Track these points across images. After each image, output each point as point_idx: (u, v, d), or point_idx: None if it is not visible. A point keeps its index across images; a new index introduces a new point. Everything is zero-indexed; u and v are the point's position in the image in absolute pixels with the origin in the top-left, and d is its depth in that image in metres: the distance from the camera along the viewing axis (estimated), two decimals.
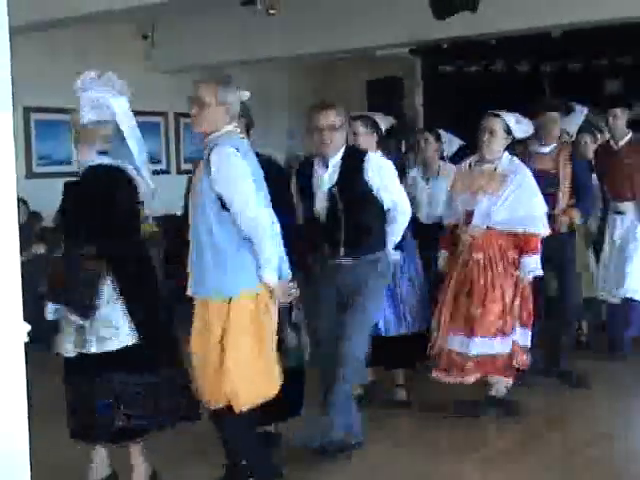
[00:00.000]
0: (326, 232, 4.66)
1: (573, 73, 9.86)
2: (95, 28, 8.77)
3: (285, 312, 4.30)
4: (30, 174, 8.88)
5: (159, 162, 10.39)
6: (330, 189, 4.60)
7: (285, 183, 4.77)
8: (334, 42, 8.64)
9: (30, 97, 8.47)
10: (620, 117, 6.45)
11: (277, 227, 3.95)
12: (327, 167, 4.63)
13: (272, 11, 6.87)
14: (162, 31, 9.64)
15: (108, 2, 6.70)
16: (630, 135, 6.52)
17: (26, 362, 2.10)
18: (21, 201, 7.57)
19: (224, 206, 3.79)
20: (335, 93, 11.18)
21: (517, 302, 5.13)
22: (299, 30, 8.56)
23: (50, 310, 4.01)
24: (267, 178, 4.01)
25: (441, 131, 6.47)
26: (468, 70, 10.39)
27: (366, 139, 5.14)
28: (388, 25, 8.12)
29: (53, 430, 4.13)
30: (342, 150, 4.62)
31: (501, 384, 5.26)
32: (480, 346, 5.07)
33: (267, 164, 4.25)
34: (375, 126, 5.25)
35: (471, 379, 5.17)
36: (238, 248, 3.81)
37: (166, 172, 10.47)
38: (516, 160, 5.22)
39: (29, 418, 2.09)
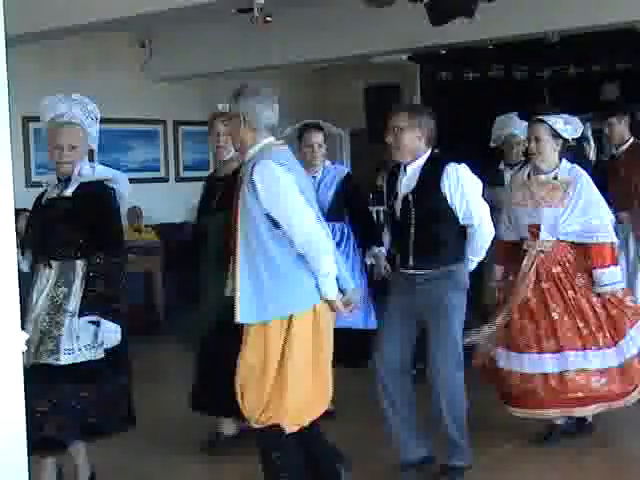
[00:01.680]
0: (398, 240, 4.56)
1: (571, 78, 9.87)
2: (93, 37, 8.78)
3: None
4: (29, 183, 8.89)
5: (158, 170, 10.40)
6: (405, 196, 4.41)
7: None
8: (332, 49, 8.65)
9: (29, 106, 8.48)
10: (617, 124, 6.42)
11: (331, 240, 3.84)
12: (406, 172, 4.45)
13: (269, 19, 6.86)
14: (159, 40, 9.65)
15: (105, 12, 6.71)
16: (631, 141, 6.47)
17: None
18: (23, 211, 7.56)
19: (275, 223, 3.67)
20: (333, 100, 11.22)
21: (613, 311, 4.80)
22: (297, 38, 8.57)
23: None
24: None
25: None
26: (466, 76, 10.39)
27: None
28: (386, 32, 8.13)
29: None
30: (425, 156, 4.40)
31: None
32: (595, 359, 4.73)
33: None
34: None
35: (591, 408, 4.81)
36: (294, 265, 3.69)
37: (165, 180, 10.48)
38: (576, 167, 4.92)
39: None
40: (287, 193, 3.68)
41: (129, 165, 10.05)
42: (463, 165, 4.41)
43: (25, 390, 3.67)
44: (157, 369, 6.60)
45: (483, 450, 4.82)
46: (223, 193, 4.67)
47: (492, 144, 6.57)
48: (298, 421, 3.78)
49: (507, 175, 6.21)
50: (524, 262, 4.86)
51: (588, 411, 4.84)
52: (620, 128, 6.42)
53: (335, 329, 3.92)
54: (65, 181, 4.12)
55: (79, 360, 3.93)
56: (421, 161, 4.39)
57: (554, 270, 4.82)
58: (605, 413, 5.00)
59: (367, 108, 10.84)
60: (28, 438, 3.70)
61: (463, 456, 4.45)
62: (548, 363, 4.73)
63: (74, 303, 3.98)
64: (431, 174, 4.33)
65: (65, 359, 3.91)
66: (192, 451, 4.88)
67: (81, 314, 3.94)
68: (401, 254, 4.48)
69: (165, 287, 9.09)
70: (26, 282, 5.44)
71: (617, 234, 6.36)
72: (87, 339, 3.94)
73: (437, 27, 6.87)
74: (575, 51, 9.22)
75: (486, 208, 4.43)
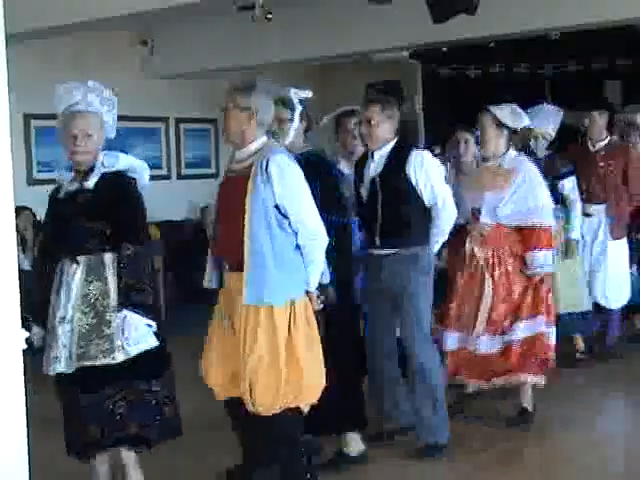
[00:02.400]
0: (364, 220, 4.83)
1: (572, 75, 9.87)
2: (94, 35, 8.78)
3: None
4: (30, 181, 8.89)
5: (159, 168, 10.40)
6: (373, 179, 4.73)
7: (334, 182, 4.78)
8: (333, 46, 8.64)
9: (30, 104, 8.48)
10: (598, 120, 6.44)
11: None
12: (373, 158, 4.77)
13: (269, 16, 6.86)
14: (161, 37, 9.64)
15: (106, 10, 6.70)
16: (608, 139, 6.53)
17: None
18: (24, 208, 7.58)
19: (282, 214, 3.87)
20: (334, 98, 11.19)
21: (529, 299, 5.05)
22: (298, 35, 8.56)
23: (36, 334, 3.93)
24: (317, 177, 4.15)
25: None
26: (468, 73, 10.40)
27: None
28: (387, 29, 8.11)
29: (53, 439, 4.12)
30: (392, 143, 4.74)
31: (528, 393, 5.22)
32: (488, 342, 5.07)
33: (318, 162, 4.42)
34: None
35: (500, 381, 5.12)
36: (295, 253, 3.91)
37: (166, 178, 10.47)
38: (521, 156, 5.20)
39: (29, 426, 2.09)
40: (301, 187, 3.91)
41: None
42: (426, 151, 4.88)
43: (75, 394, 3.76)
44: None
45: (482, 449, 4.84)
46: None
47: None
48: (311, 400, 3.94)
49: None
50: (466, 245, 5.15)
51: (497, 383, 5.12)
52: (601, 124, 6.46)
53: None
54: (84, 172, 3.96)
55: (133, 355, 3.81)
56: (388, 147, 4.75)
57: (489, 253, 5.06)
58: (589, 411, 5.33)
59: None
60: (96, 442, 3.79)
61: (438, 433, 4.70)
62: (472, 342, 5.08)
63: (114, 298, 3.83)
64: (397, 159, 4.70)
65: (120, 357, 3.79)
66: (198, 453, 4.87)
67: (119, 308, 3.81)
68: (368, 235, 4.81)
69: (166, 286, 9.08)
70: (27, 280, 5.41)
71: (581, 227, 6.42)
72: (133, 333, 3.79)
73: (438, 24, 6.87)
74: (576, 48, 9.22)
75: (448, 190, 4.76)
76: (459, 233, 5.16)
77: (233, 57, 9.03)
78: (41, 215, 8.26)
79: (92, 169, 3.96)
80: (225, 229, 3.99)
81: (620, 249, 6.57)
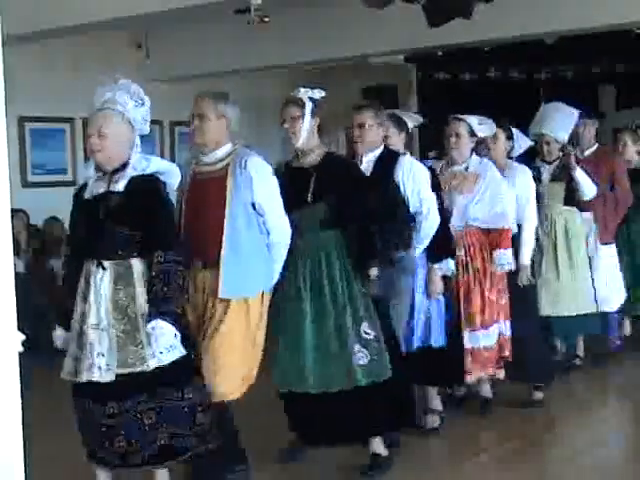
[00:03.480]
0: None
1: (567, 80, 9.89)
2: (89, 38, 8.76)
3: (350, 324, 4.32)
4: (25, 183, 8.87)
5: None
6: None
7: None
8: (329, 50, 8.64)
9: (25, 107, 8.47)
10: (588, 127, 6.47)
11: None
12: (361, 162, 4.81)
13: (266, 19, 6.84)
14: (156, 40, 9.63)
15: (102, 12, 6.69)
16: (596, 147, 6.58)
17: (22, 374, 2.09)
18: (18, 211, 7.57)
19: (255, 211, 4.14)
20: (330, 101, 11.20)
21: (494, 295, 5.27)
22: (294, 38, 8.56)
23: (59, 337, 3.90)
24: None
25: (513, 129, 5.96)
26: (463, 77, 10.41)
27: (394, 138, 5.14)
28: (383, 33, 8.12)
29: (50, 442, 4.11)
30: (379, 149, 4.83)
31: (486, 385, 5.48)
32: (468, 340, 5.20)
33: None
34: (403, 125, 5.21)
35: (472, 378, 5.30)
36: (266, 249, 4.16)
37: None
38: (485, 160, 5.43)
39: (26, 429, 2.08)
40: (276, 188, 4.18)
41: None
42: (414, 157, 5.01)
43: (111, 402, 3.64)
44: None
45: (483, 449, 4.85)
46: (314, 185, 4.43)
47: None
48: (233, 393, 4.13)
49: (545, 173, 6.24)
50: None
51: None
52: (591, 132, 6.50)
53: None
54: (112, 174, 3.82)
55: (164, 363, 3.71)
56: (377, 152, 4.83)
57: (459, 253, 5.23)
58: (590, 411, 5.39)
59: None
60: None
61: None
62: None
63: (144, 305, 3.71)
64: (385, 164, 4.76)
65: (153, 363, 3.69)
66: None
67: (149, 317, 3.69)
68: None
69: None
70: (21, 283, 5.35)
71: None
72: (164, 341, 3.68)
73: (434, 28, 6.87)
74: (572, 53, 9.24)
75: (433, 198, 4.81)
76: None
77: (229, 60, 9.03)
78: (36, 218, 8.33)
79: (119, 170, 3.83)
80: (199, 229, 4.12)
81: (610, 252, 6.59)
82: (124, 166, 3.83)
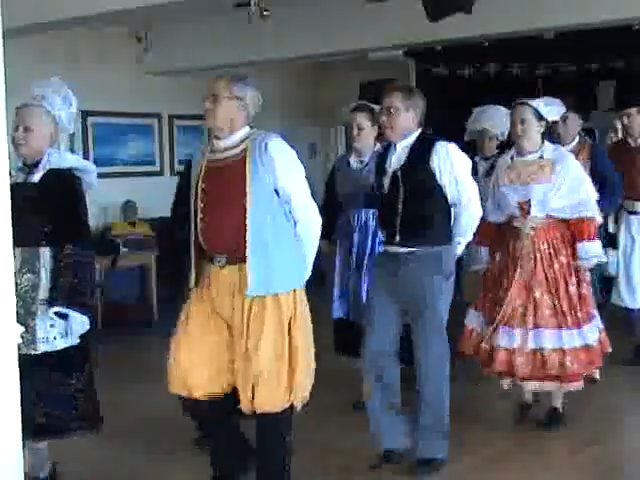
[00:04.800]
0: (384, 215, 4.60)
1: (566, 75, 9.87)
2: (90, 31, 8.76)
3: None
4: None
5: (153, 164, 10.39)
6: (394, 172, 4.47)
7: None
8: (327, 45, 8.64)
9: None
10: (569, 122, 6.43)
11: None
12: (395, 149, 4.54)
13: (266, 13, 6.85)
14: (155, 33, 9.62)
15: (101, 5, 6.69)
16: (576, 141, 6.46)
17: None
18: None
19: (280, 199, 3.83)
20: (329, 95, 11.21)
21: (584, 290, 5.01)
22: (292, 33, 8.55)
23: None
24: None
25: None
26: (461, 72, 10.39)
27: (366, 130, 5.14)
28: (381, 27, 8.12)
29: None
30: (415, 134, 4.50)
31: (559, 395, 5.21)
32: (568, 339, 4.93)
33: None
34: (375, 118, 5.16)
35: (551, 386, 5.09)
36: (295, 241, 3.87)
37: (160, 174, 10.46)
38: (560, 147, 5.17)
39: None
40: (301, 171, 3.89)
41: (124, 159, 10.04)
42: (453, 144, 4.49)
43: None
44: (152, 368, 6.52)
45: (474, 450, 4.85)
46: None
47: (466, 138, 6.59)
48: (304, 395, 3.89)
49: (480, 168, 6.23)
50: (521, 241, 4.99)
51: (554, 387, 5.08)
52: (573, 125, 6.43)
53: None
54: (31, 166, 4.04)
55: (55, 349, 3.91)
56: (411, 139, 4.49)
57: (542, 247, 4.97)
58: (587, 409, 5.32)
59: None
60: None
61: (441, 449, 4.49)
62: (529, 339, 4.92)
63: (44, 292, 3.92)
64: (421, 151, 4.43)
65: (42, 348, 3.88)
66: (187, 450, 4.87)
67: (50, 304, 3.89)
68: (387, 230, 4.54)
69: (159, 285, 9.07)
70: None
71: (632, 224, 6.47)
72: (60, 327, 3.90)
73: (433, 23, 6.87)
74: (571, 48, 9.22)
75: (475, 188, 4.49)
76: (501, 232, 5.12)
77: (228, 54, 9.02)
78: None
79: (38, 164, 4.04)
80: (218, 221, 3.83)
81: None
82: (40, 160, 4.04)
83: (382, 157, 4.64)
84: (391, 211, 4.45)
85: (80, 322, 3.91)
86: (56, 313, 3.88)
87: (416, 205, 4.40)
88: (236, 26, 8.52)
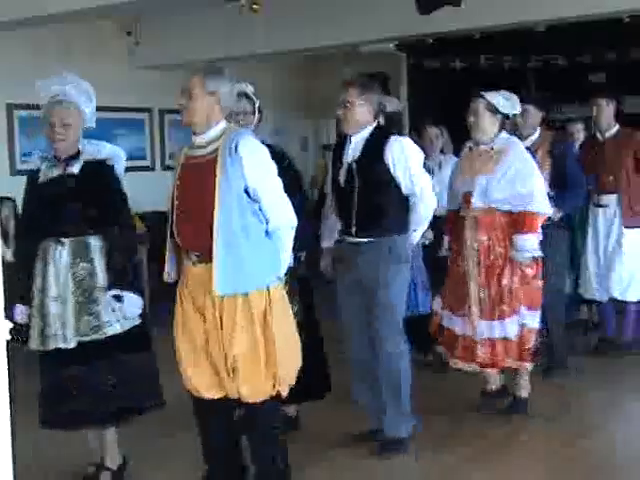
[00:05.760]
0: (341, 207, 4.70)
1: (558, 68, 9.88)
2: (79, 25, 8.73)
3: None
4: (14, 171, 8.83)
5: (144, 158, 10.36)
6: (350, 164, 4.60)
7: (296, 175, 4.81)
8: (319, 38, 8.62)
9: (14, 94, 8.43)
10: (605, 108, 6.41)
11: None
12: (351, 142, 4.64)
13: (256, 7, 6.83)
14: (146, 27, 9.59)
15: None
16: (617, 128, 6.48)
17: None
18: (7, 199, 7.53)
19: (251, 197, 3.80)
20: (320, 88, 11.20)
21: (516, 284, 5.01)
22: (284, 26, 8.54)
23: (18, 311, 4.14)
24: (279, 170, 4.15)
25: None
26: (453, 65, 10.40)
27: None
28: (373, 21, 8.11)
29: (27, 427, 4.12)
30: (370, 128, 4.59)
31: (524, 381, 5.28)
32: (486, 329, 5.02)
33: (279, 156, 4.36)
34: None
35: (492, 371, 5.20)
36: (266, 238, 3.85)
37: (151, 169, 10.44)
38: (513, 138, 5.16)
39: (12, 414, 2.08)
40: (272, 170, 3.87)
41: None
42: (406, 137, 4.71)
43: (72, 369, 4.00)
44: None
45: (467, 441, 4.86)
46: None
47: None
48: (288, 383, 3.94)
49: None
50: (465, 231, 5.10)
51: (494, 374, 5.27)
52: (608, 111, 6.42)
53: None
54: (66, 159, 4.17)
55: (120, 331, 4.08)
56: (366, 132, 4.60)
57: (482, 238, 5.03)
58: (594, 407, 5.27)
59: None
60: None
61: (403, 428, 4.69)
62: (466, 327, 5.08)
63: (102, 278, 4.08)
64: (375, 144, 4.56)
65: (108, 332, 4.05)
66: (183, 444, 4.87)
67: (108, 288, 4.06)
68: (344, 222, 4.68)
69: (150, 279, 9.03)
70: (11, 271, 5.35)
71: (598, 217, 6.42)
72: (120, 310, 4.07)
73: (425, 16, 6.87)
74: (563, 41, 9.23)
75: (427, 179, 4.64)
76: (458, 220, 5.17)
77: (220, 48, 9.00)
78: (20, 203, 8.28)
79: (74, 156, 4.19)
80: (191, 218, 3.84)
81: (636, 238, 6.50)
82: (77, 153, 4.21)
83: (338, 150, 4.76)
84: (347, 203, 4.60)
85: (135, 302, 4.09)
86: (113, 296, 4.04)
87: (371, 197, 4.54)
88: (227, 20, 8.50)
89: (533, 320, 5.08)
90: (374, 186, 4.54)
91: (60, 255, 4.07)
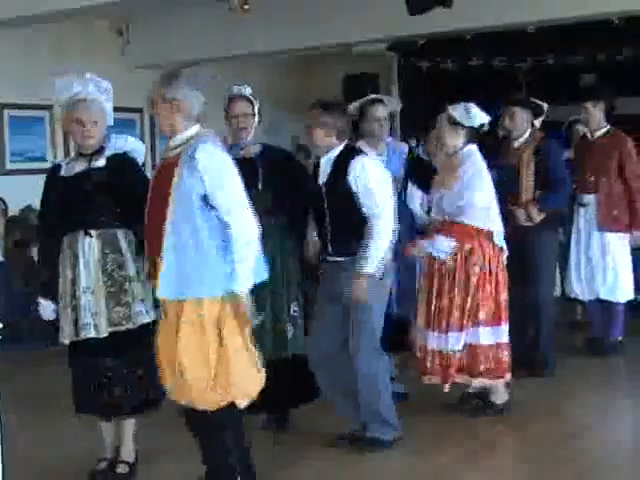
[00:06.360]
0: (319, 227, 4.74)
1: (549, 69, 9.90)
2: (70, 24, 8.70)
3: (284, 304, 4.72)
4: (3, 171, 8.80)
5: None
6: (320, 186, 4.63)
7: (305, 175, 4.83)
8: (311, 38, 8.63)
9: (4, 93, 8.39)
10: (592, 110, 6.43)
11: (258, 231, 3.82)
12: (320, 164, 4.67)
13: (246, 7, 6.83)
14: (137, 27, 9.58)
15: None
16: (606, 128, 6.50)
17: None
18: None
19: (208, 205, 3.71)
20: (313, 88, 11.18)
21: (457, 298, 5.04)
22: (276, 26, 8.53)
23: (47, 308, 4.24)
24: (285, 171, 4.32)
25: None
26: (444, 66, 10.41)
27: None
28: (365, 21, 8.12)
29: (29, 427, 4.14)
30: (337, 149, 4.58)
31: (496, 388, 5.28)
32: (452, 341, 5.05)
33: (286, 157, 4.58)
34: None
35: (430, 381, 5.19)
36: (217, 249, 3.72)
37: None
38: (472, 152, 5.12)
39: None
40: (230, 176, 3.76)
41: None
42: (368, 157, 4.62)
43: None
44: None
45: (459, 442, 4.86)
46: (264, 175, 4.79)
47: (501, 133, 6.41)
48: (246, 398, 3.87)
49: None
50: None
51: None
52: (596, 113, 6.44)
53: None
54: (93, 154, 4.22)
55: (149, 320, 4.15)
56: (334, 153, 4.60)
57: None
58: (584, 408, 5.35)
59: (345, 97, 10.81)
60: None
61: (382, 431, 4.69)
62: (434, 340, 5.10)
63: (132, 268, 4.15)
64: (341, 165, 4.56)
65: (139, 321, 4.15)
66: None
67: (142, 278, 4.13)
68: (322, 241, 4.73)
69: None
70: (3, 272, 5.40)
71: (580, 216, 6.47)
72: (149, 300, 4.15)
73: (416, 17, 6.88)
74: (554, 42, 9.25)
75: (390, 201, 4.56)
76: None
77: (211, 48, 9.00)
78: (15, 206, 8.26)
79: (98, 151, 4.25)
80: (151, 221, 3.84)
81: (622, 240, 6.52)
82: (101, 147, 4.26)
83: (315, 172, 4.75)
84: (322, 224, 4.66)
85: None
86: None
87: (340, 218, 4.57)
88: (219, 19, 8.49)
89: (490, 336, 5.10)
90: (342, 207, 4.55)
91: (89, 247, 4.13)
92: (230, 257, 3.71)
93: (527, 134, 6.00)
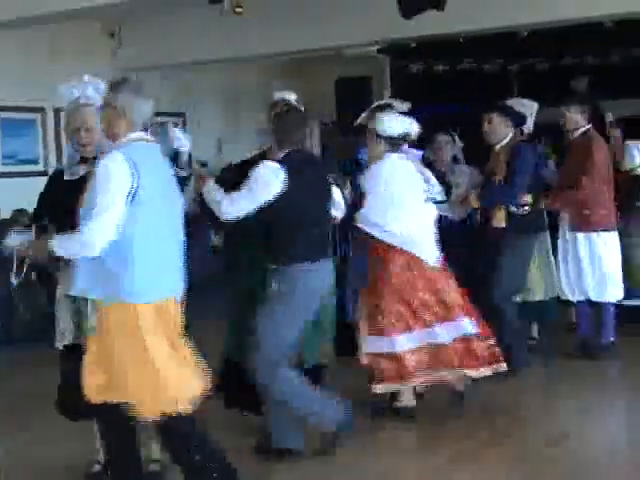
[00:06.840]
0: None
1: (541, 72, 9.94)
2: (63, 27, 8.70)
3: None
4: None
5: None
6: None
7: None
8: (303, 41, 8.64)
9: (5, 94, 8.39)
10: (567, 113, 6.45)
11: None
12: None
13: (239, 9, 6.83)
14: (129, 29, 9.59)
15: (75, 0, 6.66)
16: (582, 130, 6.46)
17: None
18: None
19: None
20: (305, 91, 11.18)
21: (381, 303, 5.08)
22: (268, 29, 8.54)
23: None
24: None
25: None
26: (436, 69, 10.44)
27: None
28: (357, 24, 8.14)
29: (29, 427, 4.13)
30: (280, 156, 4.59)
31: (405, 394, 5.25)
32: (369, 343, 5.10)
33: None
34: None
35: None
36: (107, 250, 3.66)
37: None
38: (383, 160, 5.18)
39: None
40: (106, 186, 3.64)
41: None
42: (263, 163, 4.50)
43: None
44: None
45: (450, 443, 4.86)
46: None
47: None
48: (187, 399, 3.72)
49: None
50: None
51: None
52: (571, 116, 6.44)
53: None
54: (93, 159, 4.12)
55: None
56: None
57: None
58: (570, 413, 5.32)
59: (337, 100, 10.83)
60: None
61: (287, 439, 4.60)
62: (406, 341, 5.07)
63: None
64: None
65: None
66: None
67: None
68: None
69: None
70: None
71: (564, 218, 6.52)
72: None
73: (408, 20, 6.90)
74: (545, 45, 9.29)
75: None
76: None
77: (203, 51, 9.01)
78: (6, 209, 8.24)
79: (98, 155, 4.15)
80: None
81: (613, 240, 6.54)
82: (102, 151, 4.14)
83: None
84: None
85: None
86: None
87: (265, 229, 4.57)
88: (211, 22, 8.50)
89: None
90: (264, 219, 4.55)
91: None
92: (127, 262, 3.65)
93: (507, 139, 6.06)
